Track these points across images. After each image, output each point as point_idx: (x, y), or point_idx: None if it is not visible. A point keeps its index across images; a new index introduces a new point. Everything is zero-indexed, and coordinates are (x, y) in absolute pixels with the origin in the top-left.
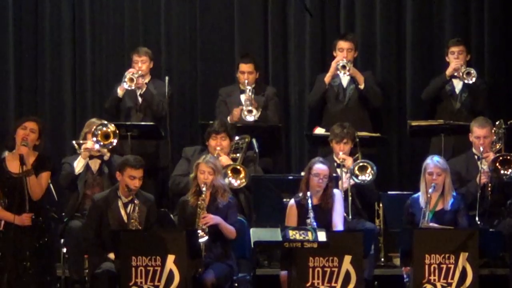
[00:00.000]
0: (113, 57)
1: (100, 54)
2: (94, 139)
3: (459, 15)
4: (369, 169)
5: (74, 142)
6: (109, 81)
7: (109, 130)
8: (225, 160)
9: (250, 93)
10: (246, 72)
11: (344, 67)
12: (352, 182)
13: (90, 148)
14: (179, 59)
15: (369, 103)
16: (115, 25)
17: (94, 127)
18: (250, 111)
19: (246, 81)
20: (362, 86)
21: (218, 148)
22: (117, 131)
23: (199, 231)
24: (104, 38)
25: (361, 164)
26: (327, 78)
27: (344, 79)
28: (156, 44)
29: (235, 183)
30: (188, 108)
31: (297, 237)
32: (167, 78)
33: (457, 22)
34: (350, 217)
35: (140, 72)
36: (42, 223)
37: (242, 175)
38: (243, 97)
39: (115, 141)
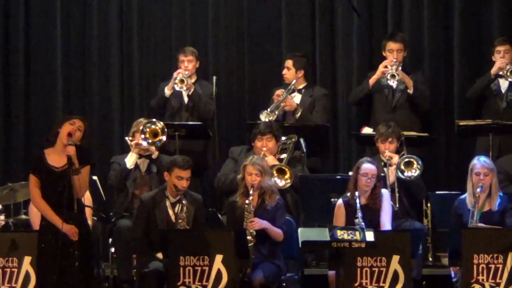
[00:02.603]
0: (161, 57)
1: (148, 54)
2: (143, 136)
3: (506, 14)
4: (415, 165)
5: (127, 138)
6: (156, 81)
7: (157, 127)
8: (271, 160)
9: (288, 92)
10: (285, 67)
11: (393, 76)
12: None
13: (140, 143)
14: (226, 59)
15: (417, 106)
16: (163, 25)
17: (142, 125)
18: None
19: (295, 80)
20: (410, 91)
21: (264, 149)
22: (166, 129)
23: (247, 236)
24: (152, 38)
25: (406, 159)
26: (371, 81)
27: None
28: (203, 44)
29: (280, 183)
30: (235, 108)
31: (345, 237)
32: (214, 78)
33: (505, 21)
34: (397, 205)
35: (187, 72)
36: (85, 221)
37: (287, 175)
38: (293, 95)
39: (164, 138)
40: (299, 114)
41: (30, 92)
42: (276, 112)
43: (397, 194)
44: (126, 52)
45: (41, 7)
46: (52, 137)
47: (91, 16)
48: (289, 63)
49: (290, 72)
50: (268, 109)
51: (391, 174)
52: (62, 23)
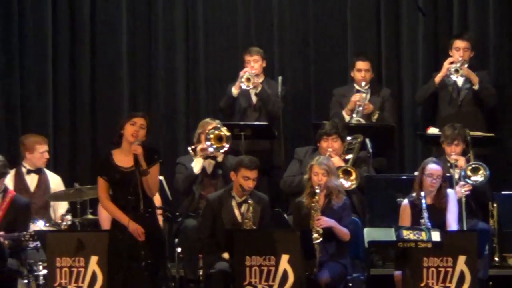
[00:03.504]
0: (226, 58)
1: (213, 55)
2: (208, 143)
3: None
4: (482, 171)
5: (189, 148)
6: (222, 81)
7: (222, 133)
8: (336, 161)
9: (364, 94)
10: (363, 69)
11: (457, 71)
12: (466, 188)
13: (206, 148)
14: (292, 59)
15: (483, 103)
16: (228, 26)
17: (207, 130)
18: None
19: (363, 82)
20: (476, 87)
21: (330, 149)
22: (230, 135)
23: (314, 233)
24: (217, 38)
25: (473, 165)
26: (438, 78)
27: (459, 79)
28: (269, 44)
29: (346, 184)
30: (301, 108)
31: (411, 237)
32: (280, 78)
33: None
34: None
35: (254, 71)
36: (154, 221)
37: (353, 176)
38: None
39: (227, 145)
40: (376, 116)
41: (96, 93)
42: (359, 118)
43: (464, 211)
44: (191, 53)
45: (107, 8)
46: (117, 138)
47: (156, 17)
48: (368, 65)
49: (369, 73)
50: (355, 116)
51: (458, 191)
52: (128, 24)
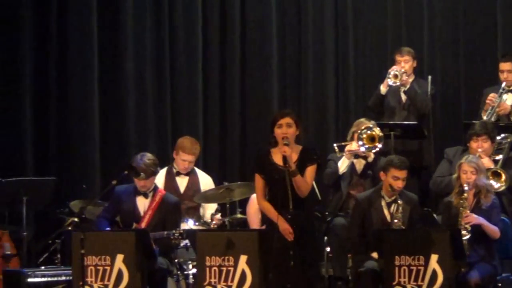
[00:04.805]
0: (376, 58)
1: (363, 55)
2: (360, 142)
3: None
4: None
5: (335, 145)
6: (372, 82)
7: (374, 133)
8: (486, 162)
9: (500, 96)
10: (505, 71)
11: None
12: None
13: (354, 150)
14: (442, 59)
15: None
16: (378, 26)
17: (360, 129)
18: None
19: (504, 82)
20: None
21: (480, 150)
22: (383, 136)
23: (462, 230)
24: (368, 39)
25: None
26: None
27: None
28: (419, 44)
29: (495, 186)
30: (451, 108)
31: None
32: (429, 77)
33: None
34: None
35: (402, 70)
36: (306, 221)
37: (502, 178)
38: (504, 97)
39: (379, 145)
40: None
41: (245, 92)
42: (492, 118)
43: None
44: (341, 53)
45: (257, 9)
46: (272, 138)
47: (306, 16)
48: (510, 65)
49: (511, 75)
50: (485, 117)
51: None
52: (277, 25)
